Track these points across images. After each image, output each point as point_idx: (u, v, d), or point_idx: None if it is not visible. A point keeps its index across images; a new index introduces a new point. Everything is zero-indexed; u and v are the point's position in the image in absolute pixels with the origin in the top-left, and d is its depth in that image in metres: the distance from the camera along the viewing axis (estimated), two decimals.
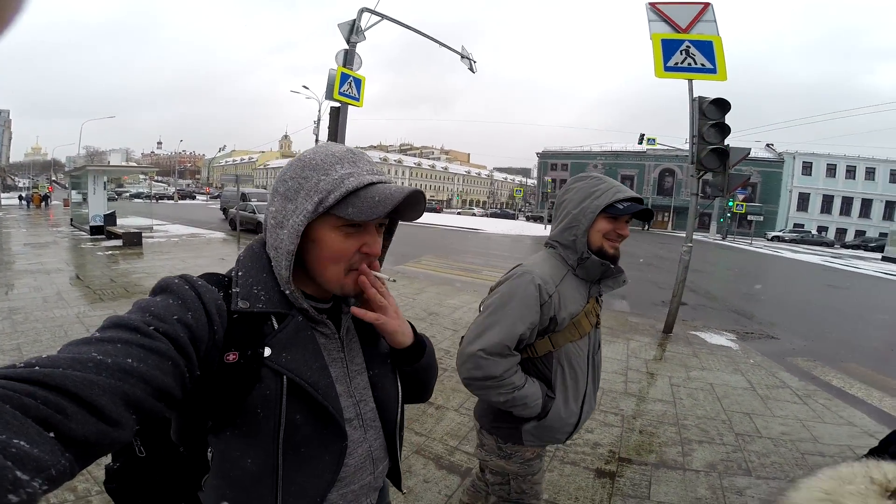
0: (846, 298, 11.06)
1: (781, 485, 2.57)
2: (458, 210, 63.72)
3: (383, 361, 0.85)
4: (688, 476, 2.62)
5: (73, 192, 16.17)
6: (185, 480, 0.74)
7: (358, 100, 6.95)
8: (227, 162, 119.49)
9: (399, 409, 0.86)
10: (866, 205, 40.66)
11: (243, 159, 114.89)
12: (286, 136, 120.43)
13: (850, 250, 32.94)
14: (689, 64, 4.58)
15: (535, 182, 60.46)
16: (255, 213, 15.78)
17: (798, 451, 3.00)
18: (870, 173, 40.44)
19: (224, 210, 21.79)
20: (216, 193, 49.01)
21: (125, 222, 13.68)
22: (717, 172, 5.18)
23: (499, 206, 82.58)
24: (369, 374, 0.83)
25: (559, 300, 1.34)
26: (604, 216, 1.34)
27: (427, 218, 28.87)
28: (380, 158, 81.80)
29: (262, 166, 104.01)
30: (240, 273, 0.73)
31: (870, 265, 20.86)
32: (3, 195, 34.78)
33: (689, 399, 3.76)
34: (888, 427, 3.34)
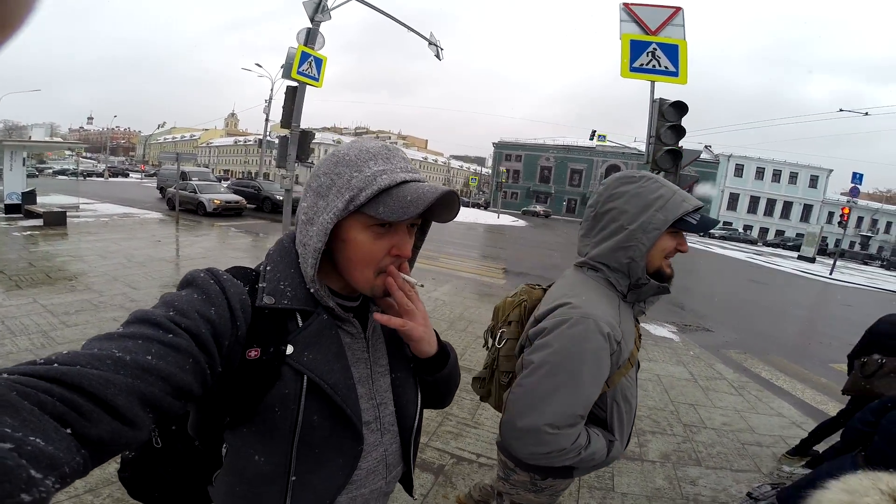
0: (767, 293, 12.16)
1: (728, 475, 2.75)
2: None
3: (406, 365, 0.83)
4: (645, 467, 2.73)
5: None
6: (197, 474, 0.73)
7: (318, 80, 6.64)
8: (165, 139, 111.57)
9: (418, 416, 0.83)
10: (787, 206, 44.64)
11: (184, 136, 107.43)
12: (233, 115, 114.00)
13: (770, 248, 36.07)
14: (654, 66, 4.67)
15: (490, 171, 61.24)
16: (196, 192, 14.83)
17: (739, 442, 3.22)
18: (793, 177, 44.36)
19: (161, 189, 20.29)
20: (152, 171, 45.59)
21: (47, 200, 12.33)
22: (670, 172, 5.38)
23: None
24: (392, 377, 0.81)
25: (623, 342, 1.08)
26: (668, 231, 1.07)
27: None
28: (333, 141, 79.32)
29: (204, 144, 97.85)
30: (268, 267, 0.72)
31: (787, 263, 22.99)
32: None
33: (640, 390, 3.91)
34: (811, 418, 3.70)
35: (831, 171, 43.95)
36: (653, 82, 4.81)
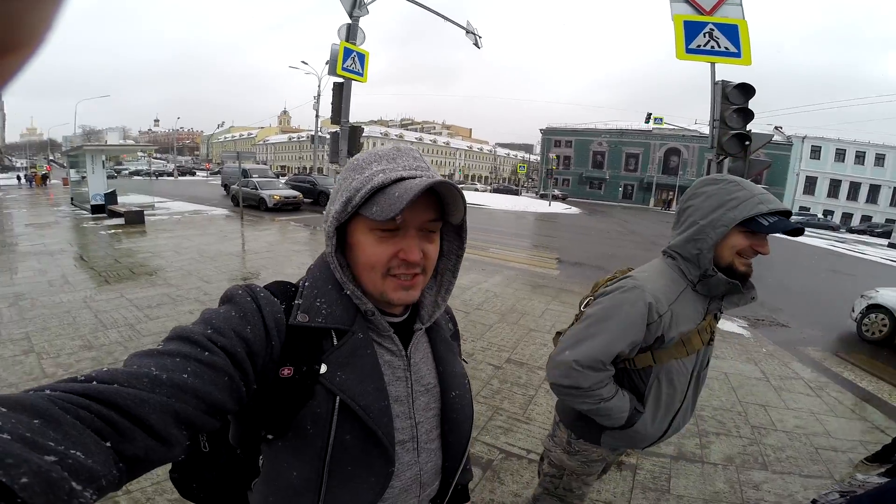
0: (852, 285, 11.01)
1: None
2: (461, 185, 62.94)
3: (462, 383, 0.83)
4: (706, 469, 2.62)
5: (72, 171, 16.06)
6: (238, 480, 0.76)
7: (361, 75, 6.79)
8: (225, 138, 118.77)
9: (471, 432, 0.84)
10: (874, 190, 40.27)
11: (242, 135, 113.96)
12: (285, 112, 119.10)
13: (855, 235, 32.79)
14: (713, 47, 4.46)
15: (539, 158, 59.92)
16: (257, 189, 15.69)
17: (812, 446, 3.00)
18: (879, 159, 39.93)
19: (225, 186, 21.66)
20: (216, 169, 48.61)
21: (126, 200, 13.57)
22: (738, 158, 5.04)
23: (501, 182, 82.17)
24: (450, 395, 0.80)
25: (671, 319, 1.22)
26: (740, 230, 1.17)
27: None
28: (381, 133, 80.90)
29: (261, 142, 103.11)
30: (306, 283, 0.72)
31: (876, 251, 20.73)
32: (1, 175, 34.66)
33: (705, 389, 3.70)
34: None
35: None
36: (713, 64, 4.57)
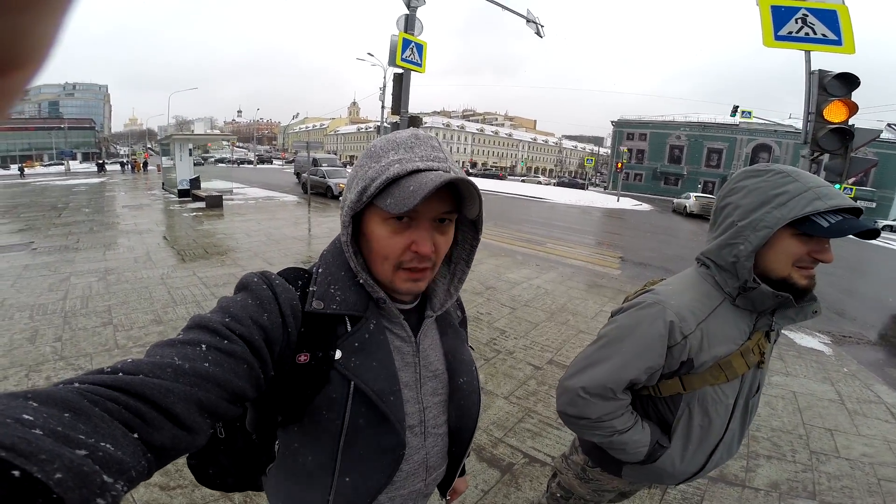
0: None
1: None
2: (522, 177, 61.67)
3: (469, 370, 0.84)
4: (746, 494, 2.41)
5: (164, 158, 17.77)
6: (254, 465, 0.79)
7: (420, 65, 6.84)
8: (299, 129, 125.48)
9: (478, 418, 0.86)
10: None
11: (314, 126, 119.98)
12: (354, 103, 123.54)
13: (862, 238, 28.16)
14: (807, 34, 4.03)
15: (609, 151, 57.26)
16: (325, 177, 16.41)
17: (875, 476, 2.66)
18: None
19: (297, 174, 22.95)
20: (290, 158, 51.60)
21: (209, 185, 14.82)
22: (837, 155, 4.51)
23: (567, 175, 79.73)
24: (458, 381, 0.82)
25: (701, 340, 1.03)
26: (793, 232, 0.94)
27: (488, 184, 28.47)
28: (443, 124, 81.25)
29: (332, 132, 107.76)
30: (320, 270, 0.73)
31: None
32: (107, 162, 39.25)
33: (766, 408, 3.41)
34: None
35: None
36: (808, 52, 4.13)
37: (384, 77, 27.88)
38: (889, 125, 37.75)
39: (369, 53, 27.61)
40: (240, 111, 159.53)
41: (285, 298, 0.66)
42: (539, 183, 48.89)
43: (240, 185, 18.44)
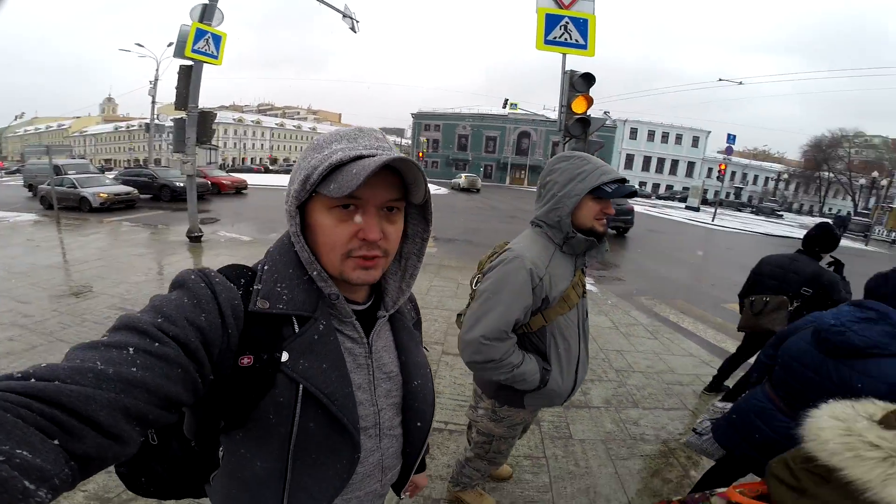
0: (664, 241, 13.65)
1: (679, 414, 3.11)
2: None
3: (423, 372, 0.84)
4: (593, 413, 3.01)
5: None
6: (194, 473, 0.74)
7: (217, 57, 6.08)
8: (26, 131, 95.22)
9: (432, 421, 0.85)
10: (674, 164, 49.91)
11: (50, 126, 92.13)
12: (110, 99, 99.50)
13: (662, 201, 40.37)
14: (566, 39, 4.90)
15: (410, 142, 60.77)
16: (76, 187, 12.93)
17: (664, 382, 3.61)
18: (678, 139, 49.63)
19: (30, 186, 17.38)
20: (14, 168, 38.64)
21: None
22: (580, 139, 5.72)
23: None
24: (413, 384, 0.81)
25: (550, 280, 1.39)
26: (592, 197, 1.36)
27: (284, 180, 27.07)
28: (234, 119, 72.98)
29: (77, 133, 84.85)
30: (265, 267, 0.69)
31: (677, 213, 26.12)
32: None
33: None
34: (717, 356, 4.21)
35: (710, 132, 49.67)
36: (564, 55, 5.02)
37: (157, 70, 24.09)
38: (605, 113, 50.19)
39: (138, 44, 23.50)
40: None
41: (226, 297, 0.62)
42: None
43: None
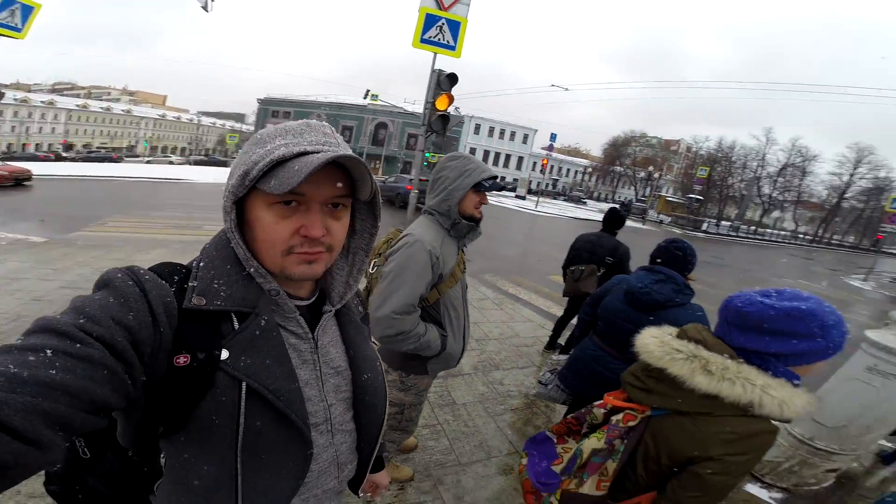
0: (500, 225, 15.71)
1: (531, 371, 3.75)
2: (148, 158, 51.62)
3: (374, 366, 0.84)
4: (466, 379, 3.51)
5: None
6: (136, 484, 0.68)
7: (20, 31, 4.89)
8: None
9: (385, 414, 0.86)
10: (508, 158, 55.78)
11: None
12: None
13: (498, 192, 45.27)
14: (439, 39, 5.15)
15: (253, 128, 55.39)
16: None
17: (514, 346, 4.34)
18: (512, 135, 55.49)
19: None
20: None
21: None
22: (440, 134, 6.19)
23: (205, 153, 72.32)
24: (363, 378, 0.81)
25: (443, 259, 1.65)
26: (474, 190, 1.66)
27: (103, 169, 22.48)
28: (15, 100, 56.48)
29: None
30: (201, 264, 0.67)
31: (509, 201, 30.53)
32: None
33: None
34: (549, 319, 5.18)
35: (537, 130, 56.59)
36: (435, 54, 5.31)
37: None
38: (456, 108, 53.13)
39: None
40: None
41: (156, 295, 0.59)
42: (171, 163, 42.60)
43: None
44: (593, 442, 1.18)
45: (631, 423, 1.14)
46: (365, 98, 30.62)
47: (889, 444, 2.98)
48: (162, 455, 0.65)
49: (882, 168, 40.98)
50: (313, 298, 0.77)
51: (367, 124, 50.48)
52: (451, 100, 5.72)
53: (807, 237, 46.14)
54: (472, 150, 53.16)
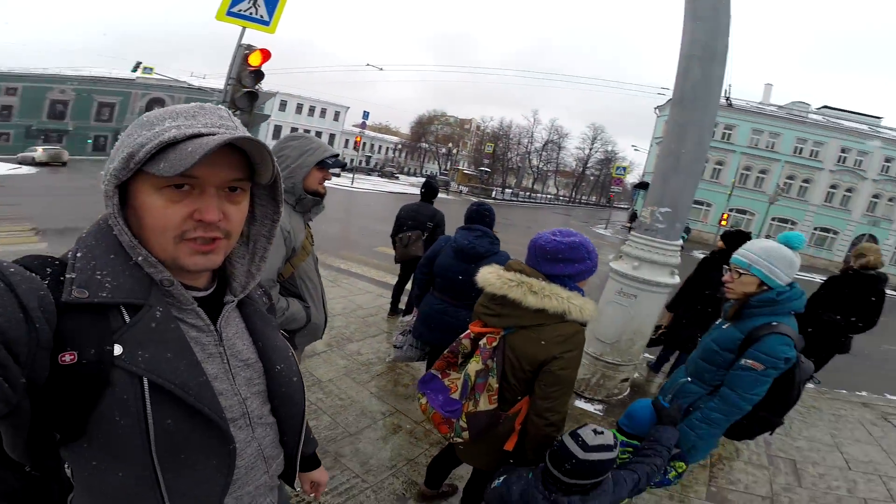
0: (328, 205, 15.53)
1: None
2: None
3: (286, 356, 0.82)
4: (324, 357, 3.58)
5: None
6: (44, 500, 0.64)
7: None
8: None
9: (305, 404, 0.84)
10: (318, 135, 53.27)
11: None
12: None
13: (342, 168, 44.89)
14: (251, 13, 4.81)
15: None
16: None
17: (360, 318, 4.56)
18: (322, 112, 53.70)
19: None
20: None
21: None
22: (245, 111, 5.80)
23: None
24: (276, 369, 0.78)
25: (293, 233, 1.70)
26: (317, 168, 1.73)
27: None
28: None
29: None
30: (78, 255, 0.61)
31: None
32: None
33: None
34: (385, 288, 5.54)
35: (349, 108, 55.37)
36: (244, 28, 4.97)
37: None
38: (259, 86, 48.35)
39: None
40: None
41: (27, 289, 0.53)
42: None
43: None
44: (475, 365, 1.46)
45: (493, 344, 1.46)
46: (135, 70, 24.98)
47: (650, 356, 4.07)
48: (66, 466, 0.61)
49: (609, 143, 55.14)
50: (212, 289, 0.73)
51: (136, 100, 41.42)
52: (259, 76, 5.40)
53: (565, 198, 62.73)
54: (278, 128, 49.43)
